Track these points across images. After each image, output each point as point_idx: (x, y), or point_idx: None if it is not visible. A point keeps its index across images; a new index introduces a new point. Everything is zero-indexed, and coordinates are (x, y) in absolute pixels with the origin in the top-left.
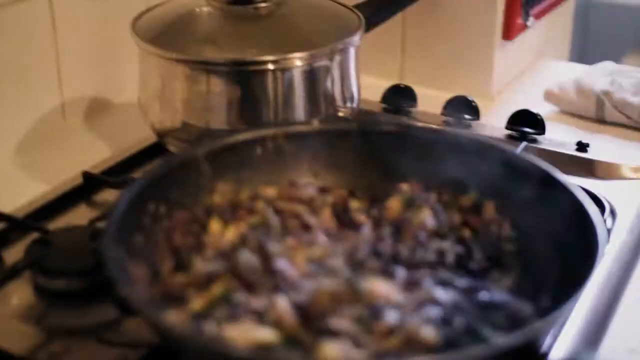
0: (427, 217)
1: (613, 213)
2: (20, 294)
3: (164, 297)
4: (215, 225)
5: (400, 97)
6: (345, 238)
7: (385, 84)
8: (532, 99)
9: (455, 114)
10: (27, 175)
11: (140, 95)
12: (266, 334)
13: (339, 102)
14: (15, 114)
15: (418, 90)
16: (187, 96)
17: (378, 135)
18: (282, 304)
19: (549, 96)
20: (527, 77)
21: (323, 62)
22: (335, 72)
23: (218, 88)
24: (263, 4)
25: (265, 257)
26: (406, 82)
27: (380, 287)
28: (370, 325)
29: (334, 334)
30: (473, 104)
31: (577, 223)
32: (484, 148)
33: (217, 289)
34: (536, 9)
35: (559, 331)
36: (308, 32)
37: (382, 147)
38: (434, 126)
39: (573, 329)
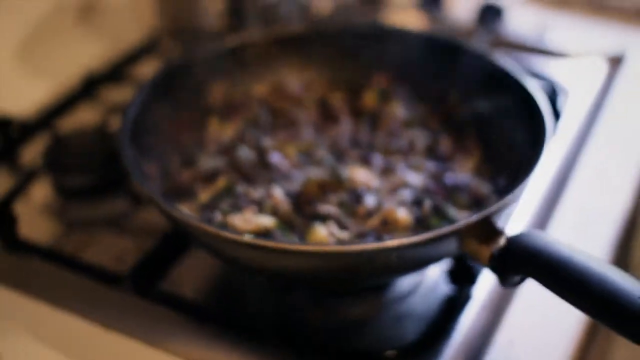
0: (398, 109)
1: (565, 93)
2: (40, 192)
3: (174, 190)
4: (214, 123)
5: None
6: (328, 129)
7: None
8: None
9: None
10: (28, 76)
11: None
12: (265, 220)
13: None
14: (9, 16)
15: None
16: None
17: (352, 36)
18: (278, 193)
19: None
20: None
21: None
22: None
23: None
24: None
25: (261, 152)
26: None
27: (360, 175)
28: (353, 208)
29: (322, 217)
30: None
31: (527, 112)
32: (447, 46)
33: (221, 182)
34: None
35: (514, 211)
36: None
37: (356, 45)
38: (401, 26)
39: (526, 209)
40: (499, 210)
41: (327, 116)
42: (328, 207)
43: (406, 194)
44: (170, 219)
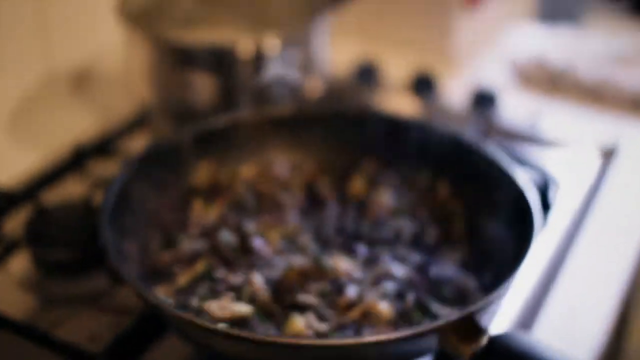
0: (387, 197)
1: (556, 185)
2: (19, 264)
3: (153, 272)
4: (198, 205)
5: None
6: (313, 214)
7: (350, 47)
8: (495, 66)
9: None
10: (17, 144)
11: (126, 70)
12: (242, 308)
13: (311, 79)
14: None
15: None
16: (166, 77)
17: (342, 120)
18: (257, 280)
19: (511, 67)
20: (491, 42)
21: (296, 43)
22: (310, 50)
23: (196, 72)
24: None
25: (243, 236)
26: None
27: (343, 264)
28: (334, 299)
29: (301, 307)
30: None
31: (516, 207)
32: (438, 134)
33: (200, 266)
34: None
35: (498, 308)
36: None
37: (346, 130)
38: (392, 113)
39: (511, 308)
40: (482, 308)
41: (313, 201)
42: (308, 297)
43: (389, 286)
44: (145, 302)
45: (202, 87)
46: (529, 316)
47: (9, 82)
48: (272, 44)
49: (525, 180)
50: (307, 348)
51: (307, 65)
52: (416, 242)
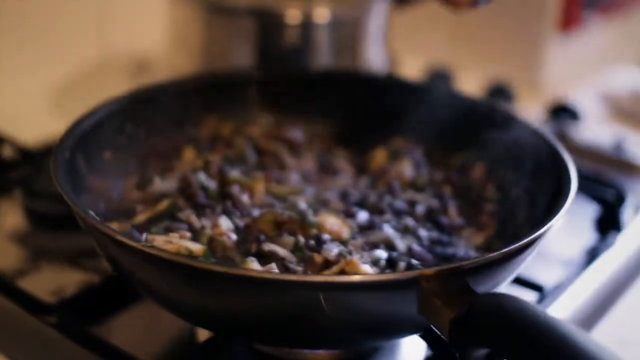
0: (405, 168)
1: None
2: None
3: (118, 211)
4: (189, 153)
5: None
6: (320, 182)
7: (429, 65)
8: (585, 94)
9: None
10: (58, 117)
11: (166, 42)
12: (191, 246)
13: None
14: (56, 64)
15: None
16: (207, 42)
17: (379, 87)
18: (224, 224)
19: (602, 97)
20: (586, 77)
21: (346, 18)
22: (359, 32)
23: (238, 35)
24: None
25: (222, 182)
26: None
27: (331, 221)
28: (308, 255)
29: (266, 257)
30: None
31: (559, 195)
32: (484, 110)
33: (162, 205)
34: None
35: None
36: None
37: (382, 99)
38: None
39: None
40: (474, 268)
41: (325, 169)
42: (275, 247)
43: (382, 255)
44: (83, 224)
45: (246, 52)
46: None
47: (67, 65)
48: (321, 13)
49: (574, 174)
50: (224, 276)
51: (355, 47)
52: (430, 218)
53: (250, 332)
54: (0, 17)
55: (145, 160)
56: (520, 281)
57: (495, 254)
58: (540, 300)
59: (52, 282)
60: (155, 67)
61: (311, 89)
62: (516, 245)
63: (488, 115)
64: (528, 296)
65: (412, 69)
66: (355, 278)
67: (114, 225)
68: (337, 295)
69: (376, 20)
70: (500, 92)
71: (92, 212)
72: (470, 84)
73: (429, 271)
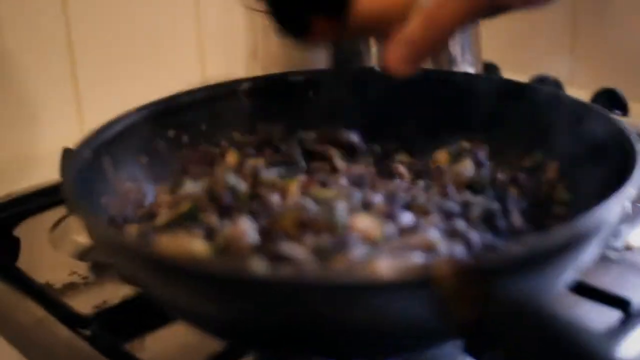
0: (465, 168)
1: None
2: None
3: (147, 215)
4: (231, 158)
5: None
6: (372, 187)
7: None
8: None
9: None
10: None
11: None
12: (197, 245)
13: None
14: (154, 87)
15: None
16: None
17: (445, 85)
18: (244, 224)
19: None
20: None
21: None
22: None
23: None
24: None
25: (254, 182)
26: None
27: (361, 222)
28: (330, 257)
29: (283, 260)
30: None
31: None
32: (561, 103)
33: (183, 206)
34: None
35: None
36: None
37: (449, 98)
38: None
39: None
40: (506, 265)
41: (381, 174)
42: (294, 248)
43: (419, 257)
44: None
45: (323, 58)
46: None
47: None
48: None
49: None
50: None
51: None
52: (488, 223)
53: (254, 339)
54: (103, 47)
55: (186, 166)
56: (596, 293)
57: (522, 248)
58: (626, 319)
59: (100, 297)
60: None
61: (375, 89)
62: (550, 238)
63: (565, 110)
64: (609, 314)
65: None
66: (351, 276)
67: (133, 228)
68: (334, 296)
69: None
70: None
71: (83, 202)
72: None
73: (443, 268)
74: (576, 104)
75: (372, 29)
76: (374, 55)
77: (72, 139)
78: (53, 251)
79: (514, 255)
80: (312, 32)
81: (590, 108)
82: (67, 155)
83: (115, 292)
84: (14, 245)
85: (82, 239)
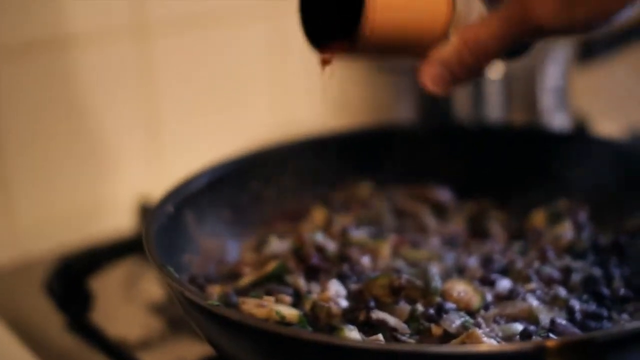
0: (564, 231)
1: None
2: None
3: (231, 275)
4: (318, 215)
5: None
6: (465, 247)
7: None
8: None
9: None
10: None
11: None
12: (285, 311)
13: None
14: (231, 133)
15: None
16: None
17: (544, 142)
18: (334, 288)
19: None
20: None
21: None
22: (534, 87)
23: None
24: None
25: (344, 243)
26: None
27: (458, 288)
28: (425, 326)
29: (375, 327)
30: None
31: None
32: None
33: (270, 266)
34: None
35: None
36: None
37: (547, 156)
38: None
39: None
40: (612, 341)
41: (474, 233)
42: (385, 316)
43: (517, 328)
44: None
45: (408, 110)
46: None
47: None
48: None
49: None
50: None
51: (528, 103)
52: (590, 290)
53: None
54: (181, 97)
55: (271, 221)
56: None
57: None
58: None
59: (175, 354)
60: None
61: (466, 144)
62: None
63: None
64: None
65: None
66: (442, 349)
67: (215, 289)
68: None
69: (554, 75)
70: None
71: (170, 268)
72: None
73: (551, 343)
74: None
75: (394, 50)
76: (464, 108)
77: (147, 186)
78: (127, 304)
79: (629, 331)
80: (328, 49)
81: None
82: (145, 207)
83: (191, 350)
84: (88, 298)
85: (158, 292)
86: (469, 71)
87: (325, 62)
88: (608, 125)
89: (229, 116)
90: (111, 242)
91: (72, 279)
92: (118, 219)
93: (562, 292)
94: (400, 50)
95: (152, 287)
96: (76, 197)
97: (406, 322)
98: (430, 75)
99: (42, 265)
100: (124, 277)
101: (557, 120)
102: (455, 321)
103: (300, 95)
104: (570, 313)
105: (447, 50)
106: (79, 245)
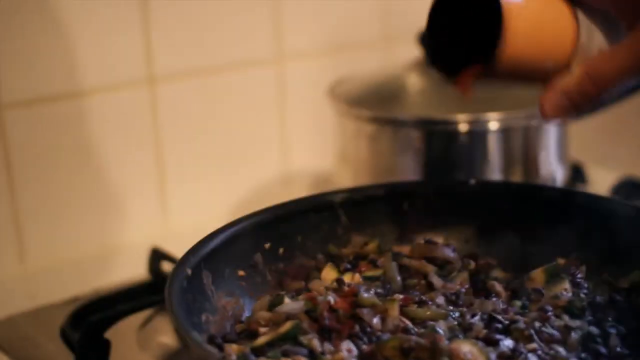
0: (563, 291)
1: None
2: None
3: (246, 333)
4: (327, 273)
5: (634, 192)
6: (468, 305)
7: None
8: None
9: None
10: None
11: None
12: None
13: (534, 175)
14: (238, 181)
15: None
16: (373, 155)
17: (540, 201)
18: (347, 349)
19: None
20: None
21: (518, 125)
22: (534, 140)
23: (404, 147)
24: None
25: (354, 305)
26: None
27: (464, 348)
28: None
29: None
30: None
31: None
32: None
33: (286, 326)
34: None
35: None
36: (510, 97)
37: (545, 215)
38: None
39: None
40: None
41: (476, 291)
42: None
43: None
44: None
45: (412, 165)
46: None
47: (250, 183)
48: (491, 122)
49: None
50: None
51: (528, 157)
52: (588, 349)
53: None
54: (190, 143)
55: (282, 279)
56: None
57: None
58: None
59: None
60: (329, 184)
61: (469, 203)
62: None
63: None
64: None
65: (601, 184)
66: None
67: (233, 348)
68: None
69: (553, 128)
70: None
71: (196, 333)
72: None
73: None
74: None
75: (522, 76)
76: (463, 165)
77: (157, 232)
78: (141, 353)
79: None
80: (462, 74)
81: None
82: (156, 252)
83: None
84: (105, 348)
85: (170, 340)
86: (590, 101)
87: (461, 86)
88: (602, 174)
89: (237, 164)
90: (126, 291)
91: (89, 327)
92: (131, 266)
93: (562, 351)
94: (527, 77)
95: (166, 335)
96: (88, 243)
97: None
98: (551, 103)
99: (57, 311)
100: (138, 325)
101: (557, 173)
102: None
103: (307, 145)
104: None
105: (570, 79)
106: (92, 292)
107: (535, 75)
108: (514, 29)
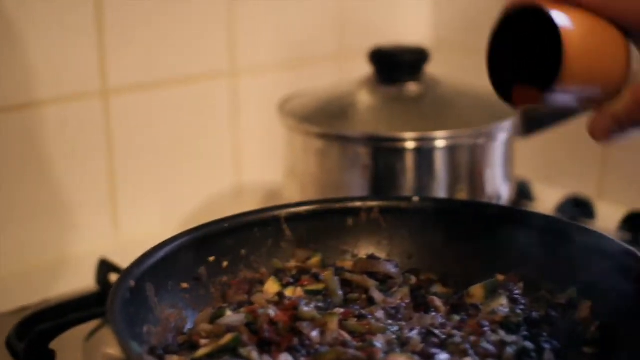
0: (500, 306)
1: None
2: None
3: (187, 345)
4: (270, 286)
5: (576, 210)
6: (407, 320)
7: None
8: None
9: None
10: None
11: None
12: None
13: (480, 192)
14: (190, 194)
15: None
16: (320, 171)
17: (482, 218)
18: None
19: None
20: None
21: (464, 143)
22: (480, 158)
23: (351, 164)
24: (413, 86)
25: (295, 319)
26: (606, 200)
27: None
28: None
29: None
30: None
31: None
32: (600, 242)
33: (226, 339)
34: None
35: None
36: (456, 115)
37: (486, 231)
38: (550, 214)
39: None
40: None
41: (416, 306)
42: None
43: None
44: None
45: (360, 181)
46: None
47: (202, 196)
48: (438, 140)
49: None
50: None
51: (474, 174)
52: None
53: None
54: (141, 153)
55: (226, 292)
56: None
57: None
58: None
59: None
60: (280, 198)
61: (413, 219)
62: None
63: (603, 252)
64: None
65: (547, 202)
66: None
67: (173, 359)
68: None
69: (499, 146)
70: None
71: (135, 344)
72: (612, 217)
73: None
74: (613, 245)
75: (575, 101)
76: (410, 182)
77: (107, 243)
78: None
79: None
80: (516, 97)
81: (628, 251)
82: (105, 263)
83: None
84: (50, 358)
85: (115, 352)
86: (638, 126)
87: (518, 106)
88: (548, 192)
89: (189, 174)
90: (72, 302)
91: (34, 338)
92: (80, 277)
93: None
94: (580, 101)
95: (111, 347)
96: (37, 253)
97: None
98: (599, 127)
99: (3, 322)
100: (85, 335)
101: (502, 191)
102: None
103: (259, 159)
104: None
105: (619, 104)
106: (40, 303)
107: (587, 100)
108: (572, 58)
